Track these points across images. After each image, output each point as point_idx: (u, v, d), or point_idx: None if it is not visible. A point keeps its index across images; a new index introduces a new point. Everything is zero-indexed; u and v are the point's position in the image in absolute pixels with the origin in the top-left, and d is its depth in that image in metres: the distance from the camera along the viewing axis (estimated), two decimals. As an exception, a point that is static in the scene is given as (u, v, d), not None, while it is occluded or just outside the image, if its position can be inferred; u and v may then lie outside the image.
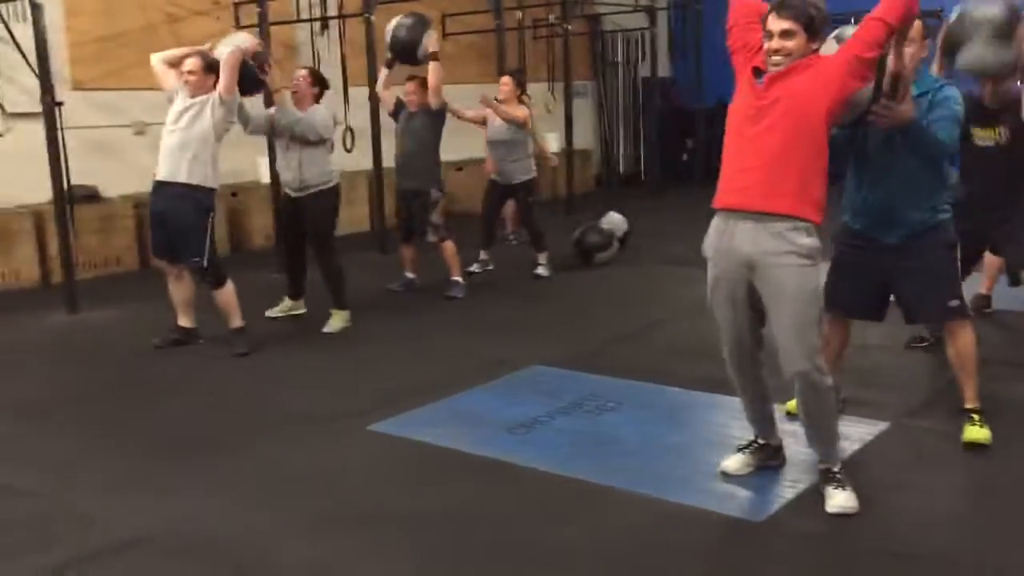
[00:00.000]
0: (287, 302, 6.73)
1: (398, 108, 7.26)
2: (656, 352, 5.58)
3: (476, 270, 7.96)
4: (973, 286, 5.66)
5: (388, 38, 6.92)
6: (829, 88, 3.21)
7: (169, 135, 5.68)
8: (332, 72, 8.63)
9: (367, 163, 10.81)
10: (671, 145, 13.86)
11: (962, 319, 3.99)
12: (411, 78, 7.20)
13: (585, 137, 14.34)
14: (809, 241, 3.26)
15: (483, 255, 8.07)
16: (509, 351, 5.56)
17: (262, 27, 8.79)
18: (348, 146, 9.01)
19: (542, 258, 7.88)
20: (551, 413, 4.52)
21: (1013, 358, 5.19)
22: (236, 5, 9.51)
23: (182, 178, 5.60)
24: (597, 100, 14.60)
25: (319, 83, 6.38)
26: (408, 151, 7.11)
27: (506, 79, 7.91)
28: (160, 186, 5.71)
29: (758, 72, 3.32)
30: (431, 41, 6.85)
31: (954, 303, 3.95)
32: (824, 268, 3.56)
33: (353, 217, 10.07)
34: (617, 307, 6.88)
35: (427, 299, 7.08)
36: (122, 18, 9.13)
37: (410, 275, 7.43)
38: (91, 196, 8.57)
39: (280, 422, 4.50)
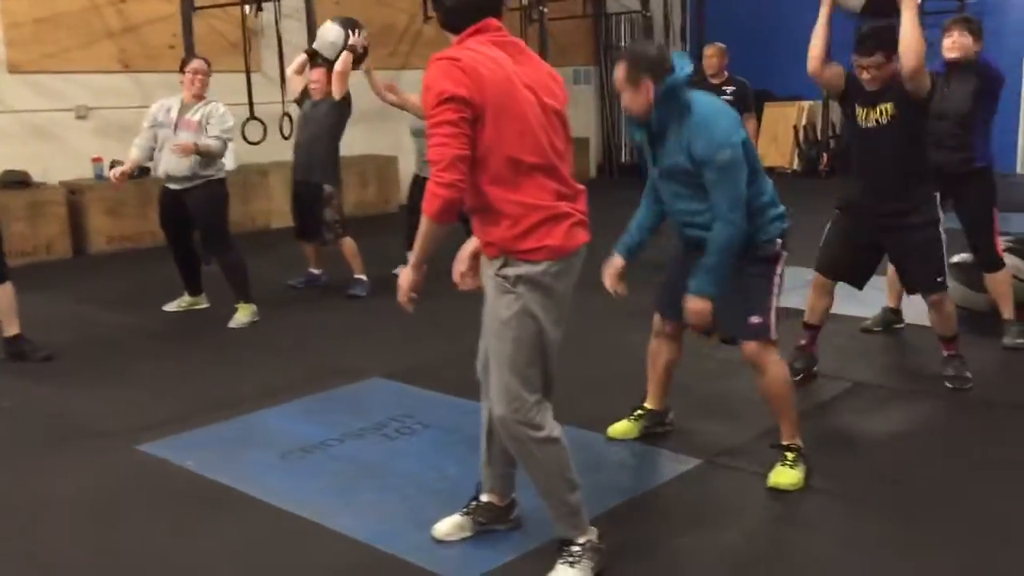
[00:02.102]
0: (186, 297, 6.48)
1: (303, 96, 6.91)
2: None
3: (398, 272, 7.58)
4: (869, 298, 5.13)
5: (317, 40, 6.76)
6: None
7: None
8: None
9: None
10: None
11: (764, 343, 3.53)
12: (317, 65, 6.83)
13: (585, 125, 13.86)
14: (511, 270, 2.79)
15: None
16: (359, 360, 5.18)
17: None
18: (286, 133, 8.72)
19: None
20: (345, 435, 4.14)
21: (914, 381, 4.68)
22: (185, -14, 9.23)
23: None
24: (599, 86, 14.05)
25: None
26: (305, 140, 6.75)
27: None
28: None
29: None
30: (359, 40, 6.53)
31: (755, 320, 3.51)
32: (542, 306, 2.85)
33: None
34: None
35: (327, 297, 6.73)
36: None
37: (315, 271, 7.08)
38: (21, 182, 8.39)
39: (54, 437, 4.20)
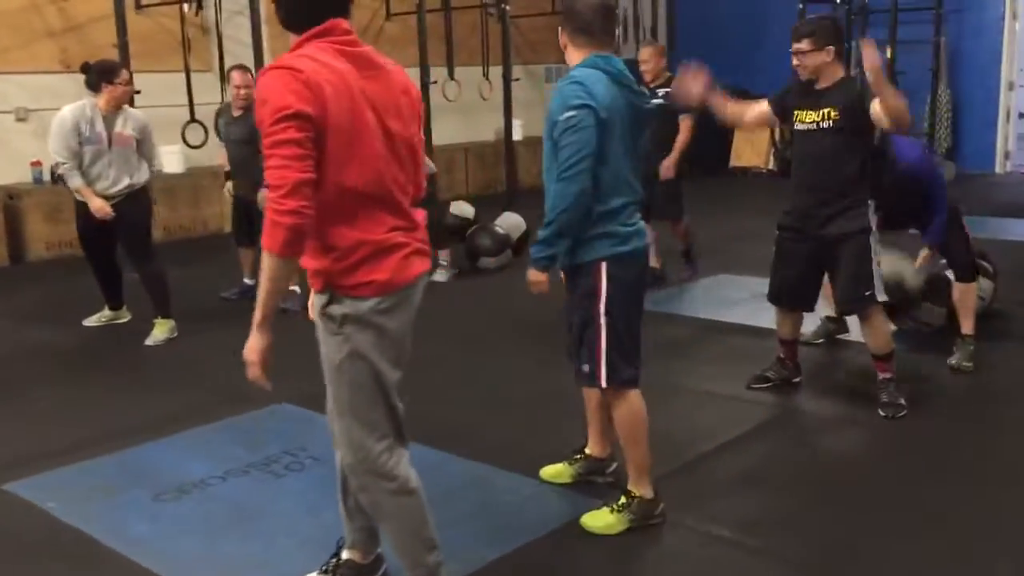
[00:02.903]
0: (106, 311, 6.22)
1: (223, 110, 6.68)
2: (434, 392, 4.86)
3: None
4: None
5: None
6: None
7: None
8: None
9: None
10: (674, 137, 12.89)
11: (622, 387, 3.28)
12: (239, 67, 6.54)
13: (557, 123, 13.55)
14: (337, 308, 2.52)
15: None
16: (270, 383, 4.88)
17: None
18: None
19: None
20: (229, 472, 3.87)
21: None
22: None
23: None
24: (572, 83, 13.73)
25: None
26: (239, 158, 6.44)
27: None
28: None
29: None
30: None
31: (584, 368, 3.28)
32: (375, 346, 2.58)
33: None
34: (439, 331, 5.89)
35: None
36: (-3, -3, 8.61)
37: (249, 281, 6.79)
38: (-48, 187, 8.13)
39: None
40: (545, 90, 13.47)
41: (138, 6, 9.30)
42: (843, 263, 4.20)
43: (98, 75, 5.65)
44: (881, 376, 4.36)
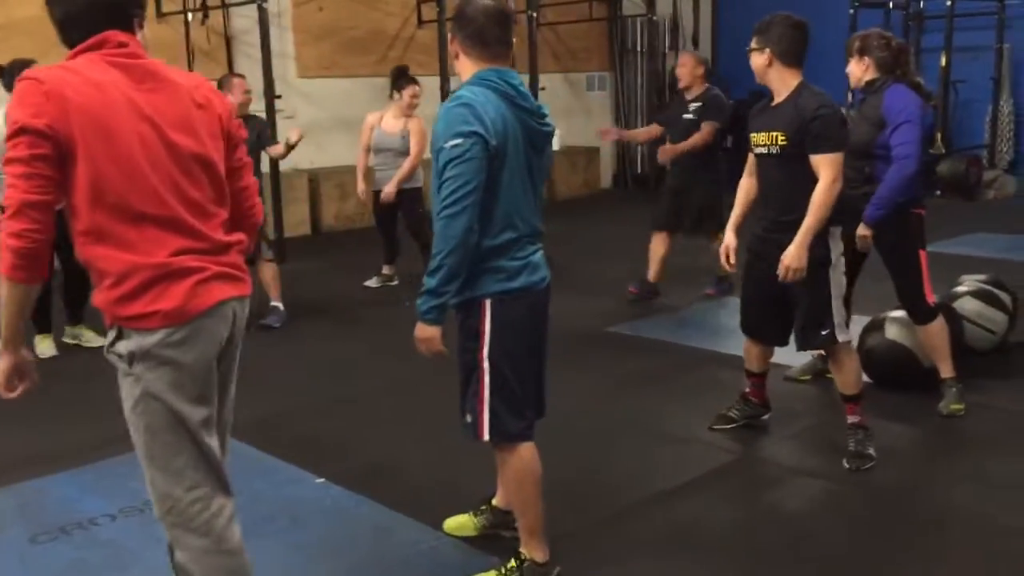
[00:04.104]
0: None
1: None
2: (369, 425, 4.59)
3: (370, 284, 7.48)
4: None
5: None
6: None
7: None
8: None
9: (306, 162, 10.16)
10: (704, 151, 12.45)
11: (507, 442, 2.97)
12: (236, 75, 6.45)
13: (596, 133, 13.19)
14: (123, 345, 2.28)
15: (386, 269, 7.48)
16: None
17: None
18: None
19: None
20: (123, 511, 3.65)
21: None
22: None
23: None
24: (614, 92, 13.36)
25: None
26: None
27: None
28: None
29: None
30: None
31: (468, 419, 2.95)
32: (170, 384, 2.32)
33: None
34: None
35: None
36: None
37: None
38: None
39: None
40: (587, 98, 13.13)
41: (159, 15, 9.23)
42: (799, 297, 3.79)
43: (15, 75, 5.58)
44: (850, 420, 3.94)
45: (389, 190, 6.91)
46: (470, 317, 2.89)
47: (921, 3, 11.82)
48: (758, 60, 3.73)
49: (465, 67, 2.90)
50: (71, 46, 2.27)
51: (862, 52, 4.23)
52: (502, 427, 2.91)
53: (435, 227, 2.76)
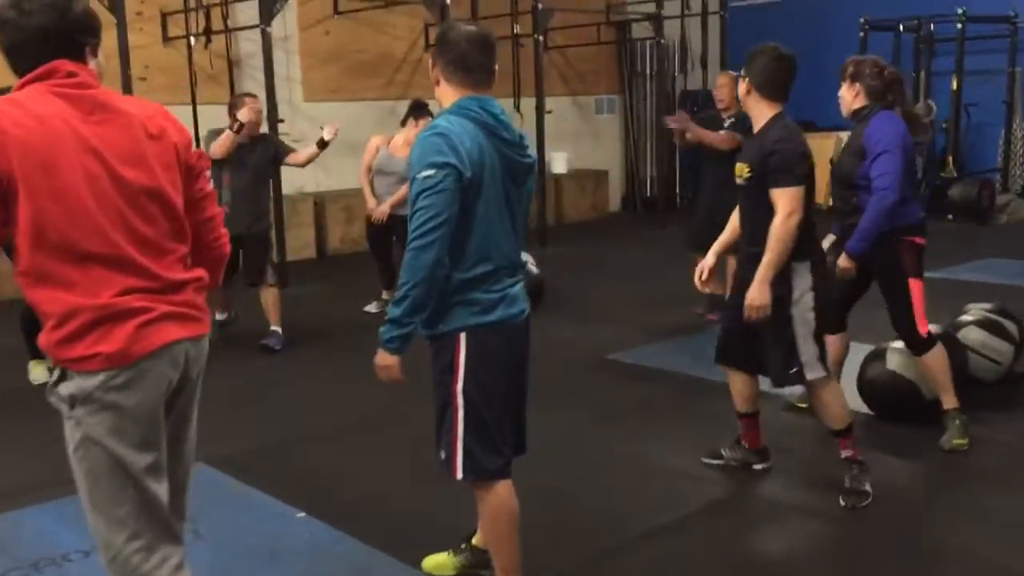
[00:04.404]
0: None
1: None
2: (357, 458, 4.50)
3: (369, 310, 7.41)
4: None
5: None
6: None
7: None
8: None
9: (312, 185, 10.12)
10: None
11: (483, 480, 2.89)
12: (248, 94, 6.40)
13: (609, 156, 13.14)
14: (65, 388, 2.20)
15: (385, 295, 7.40)
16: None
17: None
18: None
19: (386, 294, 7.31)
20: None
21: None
22: None
23: None
24: (624, 115, 13.29)
25: None
26: (244, 187, 6.18)
27: None
28: None
29: None
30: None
31: (442, 455, 2.89)
32: (111, 429, 2.22)
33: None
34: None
35: (233, 347, 6.17)
36: None
37: (219, 316, 6.53)
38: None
39: None
40: (597, 121, 13.08)
41: (165, 39, 9.24)
42: (762, 336, 3.70)
43: None
44: (843, 454, 3.82)
45: (382, 208, 6.96)
46: (444, 351, 2.81)
47: (932, 26, 11.72)
48: (740, 89, 3.71)
49: (446, 94, 2.83)
50: (20, 76, 2.20)
51: (854, 78, 4.16)
52: (477, 465, 2.82)
53: (404, 257, 2.70)
